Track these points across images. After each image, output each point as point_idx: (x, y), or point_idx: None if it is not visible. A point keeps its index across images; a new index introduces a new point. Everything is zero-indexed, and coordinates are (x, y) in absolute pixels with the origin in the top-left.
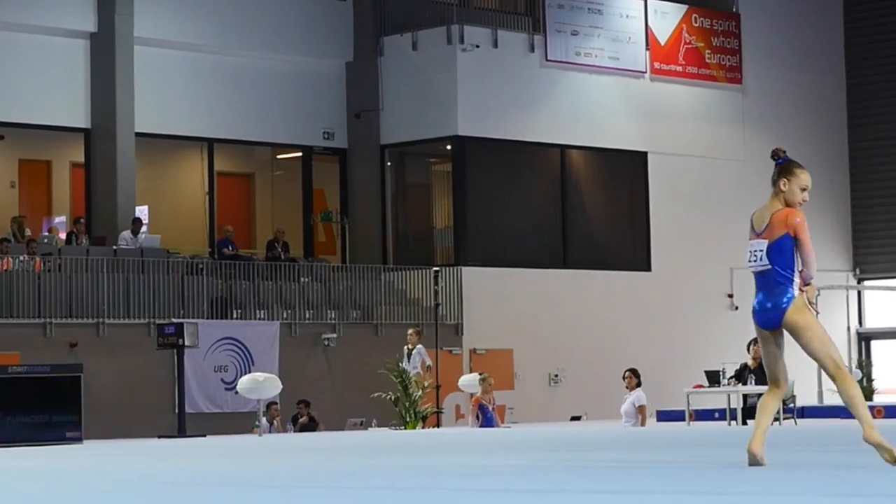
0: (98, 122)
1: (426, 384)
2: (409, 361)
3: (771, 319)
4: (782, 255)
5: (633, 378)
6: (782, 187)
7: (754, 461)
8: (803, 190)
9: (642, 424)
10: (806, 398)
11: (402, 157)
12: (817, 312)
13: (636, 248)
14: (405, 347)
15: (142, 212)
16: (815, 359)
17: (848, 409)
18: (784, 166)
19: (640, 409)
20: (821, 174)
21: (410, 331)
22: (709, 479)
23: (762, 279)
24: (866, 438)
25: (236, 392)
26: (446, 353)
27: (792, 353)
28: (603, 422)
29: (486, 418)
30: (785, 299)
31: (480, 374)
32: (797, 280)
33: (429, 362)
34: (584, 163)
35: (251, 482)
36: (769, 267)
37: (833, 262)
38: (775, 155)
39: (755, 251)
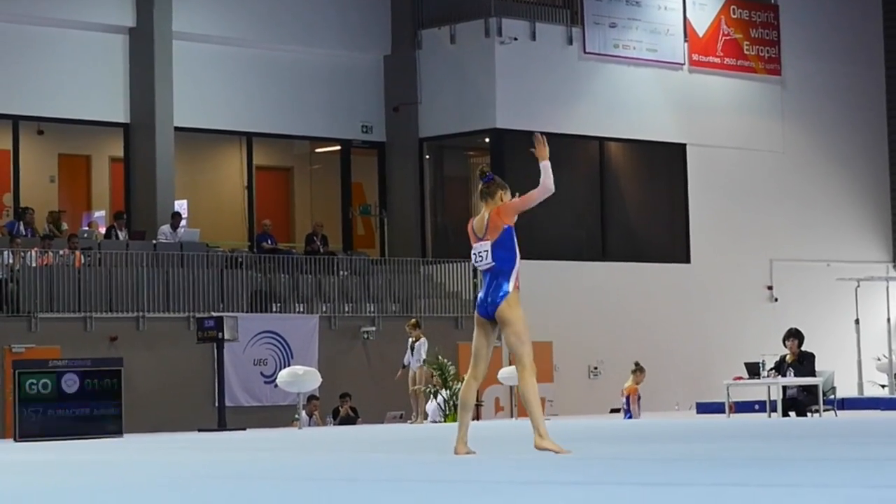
0: (137, 117)
1: (420, 387)
2: (412, 354)
3: (487, 311)
4: (504, 250)
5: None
6: (501, 199)
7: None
8: None
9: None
10: (846, 390)
11: (441, 151)
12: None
13: (675, 240)
14: (409, 340)
15: (181, 206)
16: (512, 352)
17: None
18: (499, 182)
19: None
20: (860, 166)
21: (411, 321)
22: (750, 470)
23: (487, 275)
24: (537, 446)
25: (276, 385)
26: None
27: (833, 346)
28: (642, 414)
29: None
30: (501, 294)
31: (636, 366)
32: (514, 276)
33: (424, 357)
34: (622, 155)
35: (291, 476)
36: (493, 264)
37: (872, 254)
38: (482, 173)
39: (480, 252)
